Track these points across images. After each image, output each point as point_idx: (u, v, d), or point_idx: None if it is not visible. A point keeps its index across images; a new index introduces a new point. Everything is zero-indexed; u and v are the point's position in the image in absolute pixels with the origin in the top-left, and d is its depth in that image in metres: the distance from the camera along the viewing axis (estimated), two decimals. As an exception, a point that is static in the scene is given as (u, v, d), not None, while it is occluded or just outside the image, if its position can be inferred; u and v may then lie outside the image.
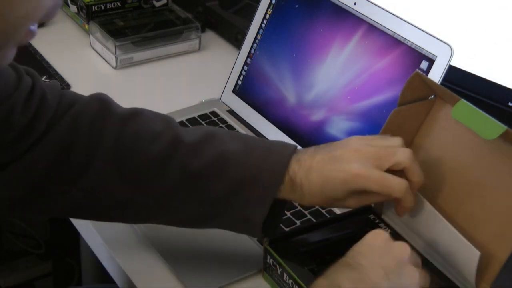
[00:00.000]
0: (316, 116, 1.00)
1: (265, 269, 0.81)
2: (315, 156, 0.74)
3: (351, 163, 0.72)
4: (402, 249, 0.68)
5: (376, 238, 0.69)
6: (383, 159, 0.72)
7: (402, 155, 0.72)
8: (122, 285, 0.86)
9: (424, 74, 0.82)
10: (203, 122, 1.08)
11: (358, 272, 0.65)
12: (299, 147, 0.77)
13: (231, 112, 1.11)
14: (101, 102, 0.78)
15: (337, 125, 0.97)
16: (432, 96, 0.80)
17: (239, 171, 0.74)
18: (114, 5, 1.33)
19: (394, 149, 0.72)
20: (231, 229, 0.78)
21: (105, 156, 0.74)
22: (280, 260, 0.77)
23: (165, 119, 0.79)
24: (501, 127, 0.69)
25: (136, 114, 0.77)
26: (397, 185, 0.71)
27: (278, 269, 0.78)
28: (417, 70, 0.78)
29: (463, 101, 0.73)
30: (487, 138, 0.70)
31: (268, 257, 0.79)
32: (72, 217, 0.88)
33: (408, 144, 0.82)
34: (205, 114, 1.10)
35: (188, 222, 0.79)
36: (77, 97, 0.78)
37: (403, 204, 0.73)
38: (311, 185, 0.73)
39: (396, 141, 0.74)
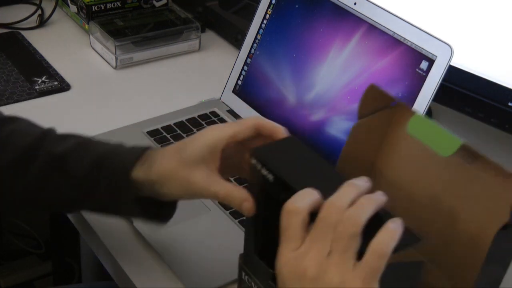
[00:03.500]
0: (316, 116, 1.00)
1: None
2: None
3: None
4: None
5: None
6: None
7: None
8: (122, 285, 0.86)
9: (379, 87, 0.79)
10: (203, 122, 1.08)
11: None
12: None
13: (231, 112, 1.11)
14: None
15: (337, 125, 0.97)
16: (393, 104, 0.77)
17: (100, 149, 0.77)
18: (114, 5, 1.33)
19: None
20: (108, 210, 0.80)
21: None
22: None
23: (42, 127, 0.84)
24: (457, 142, 0.66)
25: (15, 118, 0.84)
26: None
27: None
28: (371, 83, 0.74)
29: (417, 115, 0.70)
30: (443, 155, 0.67)
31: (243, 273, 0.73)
32: None
33: (372, 159, 0.79)
34: (205, 114, 1.10)
35: (65, 205, 0.82)
36: None
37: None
38: (171, 147, 0.74)
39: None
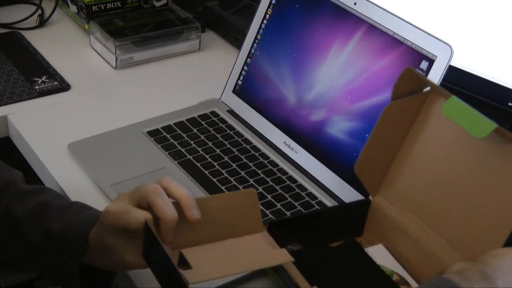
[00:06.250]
0: (316, 116, 1.00)
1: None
2: None
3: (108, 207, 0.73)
4: None
5: None
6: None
7: (144, 192, 0.71)
8: (122, 285, 0.86)
9: (417, 70, 0.82)
10: (203, 122, 1.08)
11: None
12: None
13: (231, 112, 1.11)
14: None
15: (337, 125, 0.97)
16: (427, 89, 0.80)
17: (55, 221, 0.77)
18: (114, 5, 1.33)
19: (141, 188, 0.72)
20: (53, 276, 0.80)
21: None
22: None
23: (9, 174, 0.84)
24: (491, 125, 0.69)
25: None
26: (134, 213, 0.70)
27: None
28: (408, 65, 0.78)
29: (454, 97, 0.73)
30: (477, 137, 0.70)
31: None
32: None
33: (402, 138, 0.81)
34: (205, 114, 1.10)
35: (12, 262, 0.82)
36: None
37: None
38: (94, 240, 0.74)
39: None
